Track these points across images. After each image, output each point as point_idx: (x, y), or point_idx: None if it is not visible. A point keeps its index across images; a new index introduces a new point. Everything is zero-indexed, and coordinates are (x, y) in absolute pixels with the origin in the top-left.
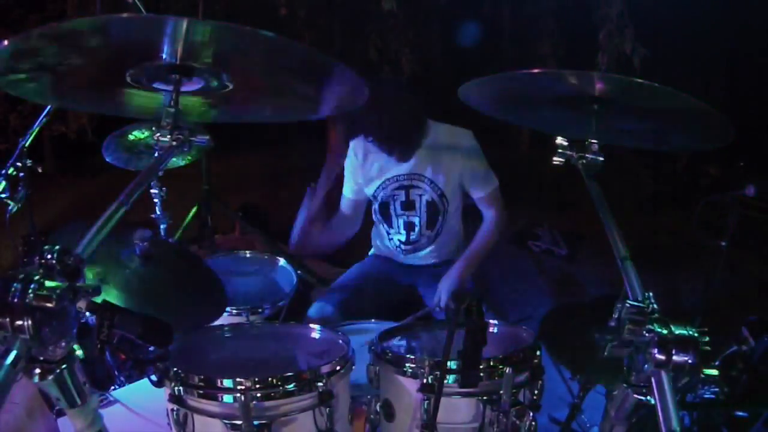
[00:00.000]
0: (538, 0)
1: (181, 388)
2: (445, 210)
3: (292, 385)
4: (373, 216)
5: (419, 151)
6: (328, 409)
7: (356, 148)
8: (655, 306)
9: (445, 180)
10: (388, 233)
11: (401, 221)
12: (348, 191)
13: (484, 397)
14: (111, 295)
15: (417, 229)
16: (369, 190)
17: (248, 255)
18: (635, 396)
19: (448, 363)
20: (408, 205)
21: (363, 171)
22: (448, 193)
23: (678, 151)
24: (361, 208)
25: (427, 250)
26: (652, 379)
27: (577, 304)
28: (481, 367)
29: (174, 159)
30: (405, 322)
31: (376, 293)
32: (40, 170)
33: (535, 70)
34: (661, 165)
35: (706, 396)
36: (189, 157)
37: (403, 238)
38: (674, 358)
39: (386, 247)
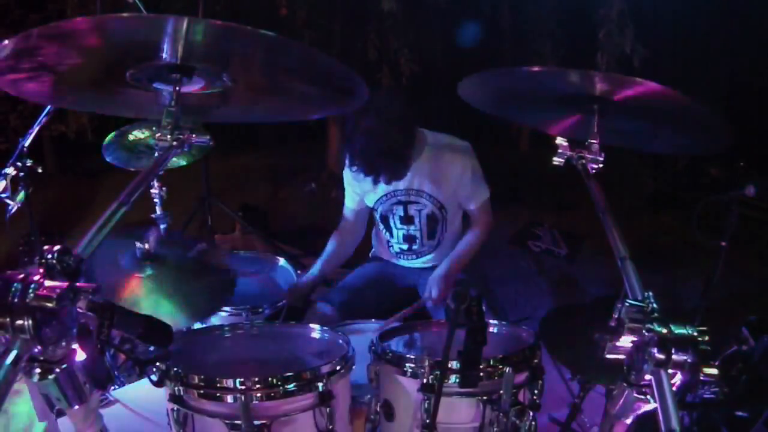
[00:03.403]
0: (538, 0)
1: (181, 388)
2: (444, 219)
3: (292, 385)
4: (375, 222)
5: (416, 165)
6: (328, 409)
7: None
8: (654, 305)
9: (443, 191)
10: (389, 242)
11: (401, 233)
12: (349, 201)
13: (484, 397)
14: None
15: (418, 241)
16: (369, 202)
17: (248, 255)
18: (635, 395)
19: (448, 363)
20: (407, 220)
21: (360, 184)
22: (447, 203)
23: (678, 152)
24: (364, 215)
25: (429, 256)
26: (652, 379)
27: (577, 304)
28: (481, 367)
29: (174, 159)
30: (398, 316)
31: (377, 295)
32: (40, 170)
33: (536, 68)
34: (661, 165)
35: (706, 396)
36: (190, 157)
37: (404, 248)
38: (674, 357)
39: (386, 251)
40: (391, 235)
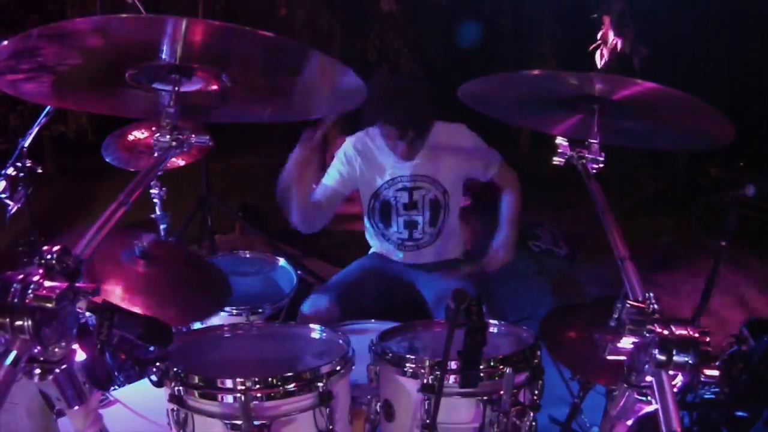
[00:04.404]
0: (538, 0)
1: (181, 388)
2: (446, 205)
3: (292, 385)
4: (368, 218)
5: (422, 152)
6: (327, 409)
7: (356, 144)
8: (655, 306)
9: (447, 177)
10: (384, 234)
11: (402, 220)
12: (330, 180)
13: (484, 397)
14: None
15: (420, 227)
16: (368, 190)
17: (248, 255)
18: (635, 396)
19: (448, 363)
20: (411, 206)
21: (360, 170)
22: (449, 189)
23: (678, 150)
24: (337, 201)
25: (429, 248)
26: (653, 380)
27: (577, 304)
28: (481, 367)
29: (174, 159)
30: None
31: (376, 291)
32: (40, 170)
33: (536, 72)
34: (661, 165)
35: (706, 396)
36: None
37: (405, 236)
38: (675, 358)
39: (385, 246)
40: (389, 225)
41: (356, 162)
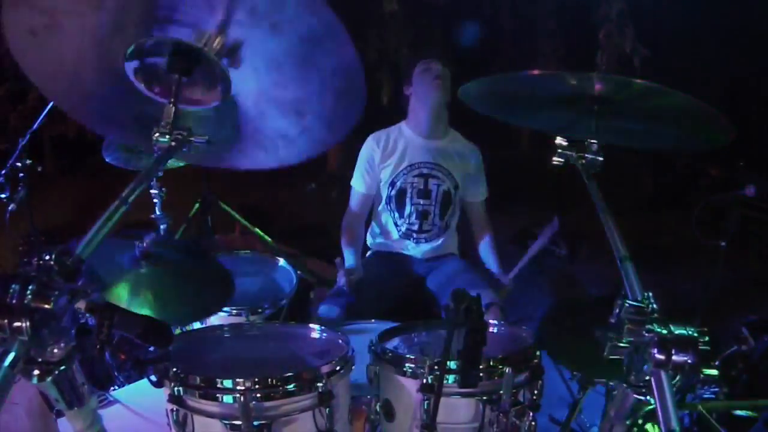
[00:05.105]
0: (538, 0)
1: (180, 388)
2: (455, 202)
3: (292, 386)
4: (382, 205)
5: (441, 143)
6: (327, 409)
7: (376, 139)
8: (654, 306)
9: (460, 173)
10: (397, 224)
11: (414, 210)
12: (361, 187)
13: (484, 397)
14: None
15: (431, 218)
16: (385, 175)
17: (248, 255)
18: (635, 396)
19: (448, 363)
20: (424, 194)
21: (383, 160)
22: (461, 185)
23: (678, 151)
24: (370, 203)
25: (437, 242)
26: (652, 379)
27: (576, 304)
28: (481, 367)
29: (174, 159)
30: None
31: (381, 292)
32: (40, 170)
33: (535, 72)
34: (661, 165)
35: (706, 396)
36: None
37: (415, 228)
38: (674, 358)
39: (391, 239)
40: (402, 215)
41: (376, 157)
